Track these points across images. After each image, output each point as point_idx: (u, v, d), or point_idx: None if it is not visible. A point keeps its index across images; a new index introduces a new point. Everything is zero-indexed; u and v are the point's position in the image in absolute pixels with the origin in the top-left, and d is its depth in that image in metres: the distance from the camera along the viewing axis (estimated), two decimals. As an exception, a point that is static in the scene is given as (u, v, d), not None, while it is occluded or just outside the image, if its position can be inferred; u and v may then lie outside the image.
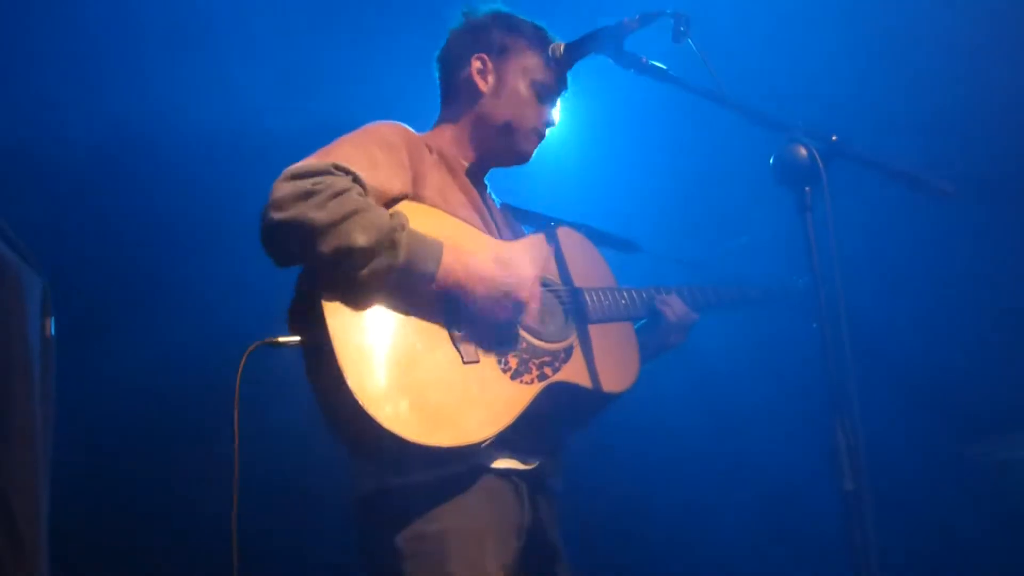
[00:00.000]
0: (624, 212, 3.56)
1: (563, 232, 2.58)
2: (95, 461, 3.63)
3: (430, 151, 2.43)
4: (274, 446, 3.39)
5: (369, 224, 2.03)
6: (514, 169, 2.64)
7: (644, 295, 2.66)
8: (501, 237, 2.47)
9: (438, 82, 2.64)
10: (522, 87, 2.52)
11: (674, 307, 2.69)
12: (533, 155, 2.59)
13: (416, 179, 2.30)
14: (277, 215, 2.01)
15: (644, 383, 2.54)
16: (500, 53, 2.54)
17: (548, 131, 2.58)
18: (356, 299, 2.09)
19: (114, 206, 3.96)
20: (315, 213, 1.99)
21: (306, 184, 2.03)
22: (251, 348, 2.09)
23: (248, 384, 2.09)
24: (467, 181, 2.48)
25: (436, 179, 2.36)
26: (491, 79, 2.53)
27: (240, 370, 2.08)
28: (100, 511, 3.68)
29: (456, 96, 2.57)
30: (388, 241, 2.05)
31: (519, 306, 2.23)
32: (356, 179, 2.12)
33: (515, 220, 2.68)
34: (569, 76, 2.55)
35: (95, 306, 3.74)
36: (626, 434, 3.67)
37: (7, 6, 3.76)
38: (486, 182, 2.62)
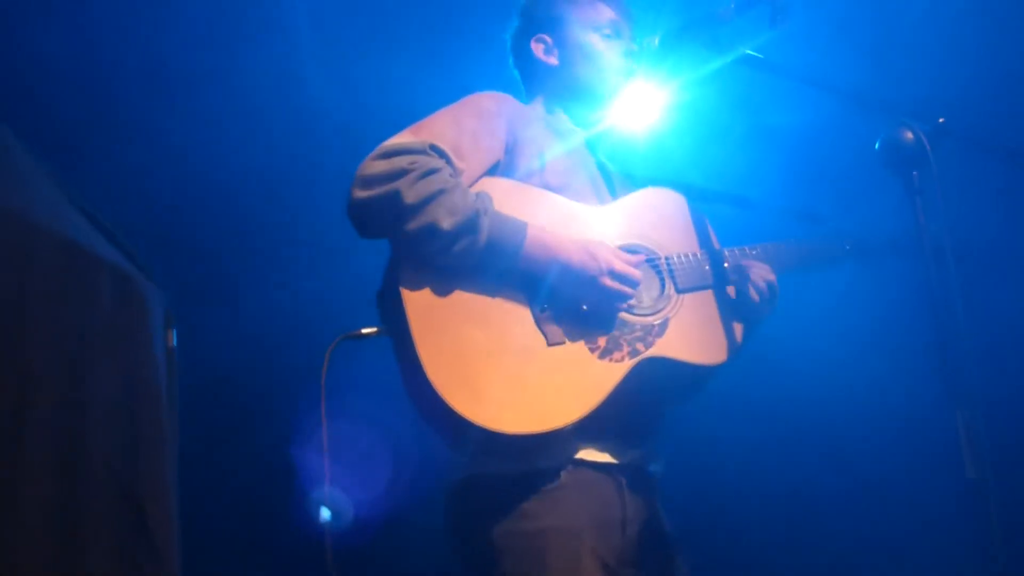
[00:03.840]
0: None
1: (660, 193, 2.50)
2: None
3: (537, 119, 2.45)
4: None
5: (454, 206, 2.05)
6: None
7: (737, 253, 2.49)
8: (613, 201, 2.44)
9: (519, 79, 2.67)
10: (592, 40, 2.53)
11: (753, 268, 2.46)
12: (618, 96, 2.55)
13: (515, 148, 2.30)
14: (365, 193, 2.05)
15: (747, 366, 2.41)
16: (555, 25, 2.56)
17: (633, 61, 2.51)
18: (435, 284, 2.10)
19: (201, 189, 3.76)
20: (406, 192, 2.03)
21: (402, 162, 2.07)
22: (334, 344, 2.13)
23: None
24: (578, 145, 2.50)
25: (541, 145, 2.36)
26: (557, 52, 2.56)
27: (325, 366, 2.10)
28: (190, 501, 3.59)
29: (536, 78, 2.60)
30: (471, 224, 2.06)
31: (604, 290, 2.18)
32: (447, 159, 2.14)
33: (630, 184, 2.63)
34: (663, 62, 2.47)
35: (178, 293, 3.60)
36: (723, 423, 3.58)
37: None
38: (596, 150, 2.60)
